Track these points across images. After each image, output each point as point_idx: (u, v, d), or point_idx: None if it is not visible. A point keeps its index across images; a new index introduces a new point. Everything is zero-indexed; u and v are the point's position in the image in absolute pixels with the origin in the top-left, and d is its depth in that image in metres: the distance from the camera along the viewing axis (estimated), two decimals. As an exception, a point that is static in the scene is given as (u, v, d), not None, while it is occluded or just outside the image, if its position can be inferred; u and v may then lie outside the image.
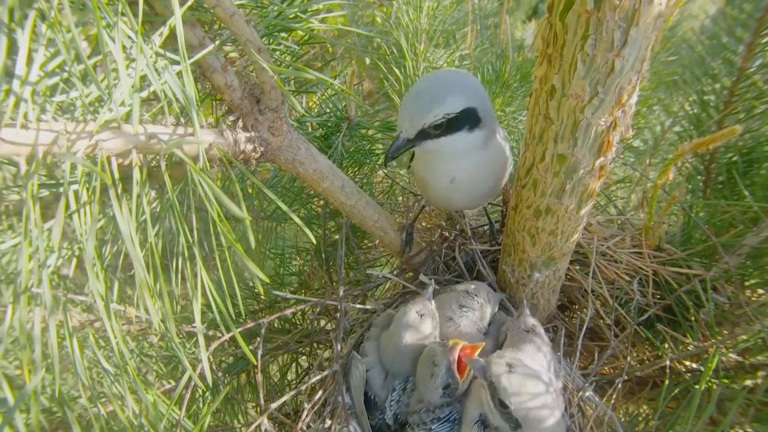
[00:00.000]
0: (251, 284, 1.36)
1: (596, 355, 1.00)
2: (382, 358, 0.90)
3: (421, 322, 0.87)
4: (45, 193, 0.75)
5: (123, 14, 0.57)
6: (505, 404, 0.73)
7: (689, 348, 1.01)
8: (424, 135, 0.86)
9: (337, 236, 1.33)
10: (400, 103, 0.93)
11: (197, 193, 0.64)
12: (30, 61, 0.55)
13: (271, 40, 0.90)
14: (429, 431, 0.80)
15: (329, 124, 1.34)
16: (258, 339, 0.94)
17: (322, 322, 1.27)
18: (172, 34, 0.63)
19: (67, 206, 0.59)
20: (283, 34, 0.91)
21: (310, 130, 1.30)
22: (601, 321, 1.06)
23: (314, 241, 0.91)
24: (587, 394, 0.87)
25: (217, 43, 0.77)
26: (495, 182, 0.98)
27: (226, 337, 0.90)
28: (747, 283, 1.07)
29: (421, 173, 0.99)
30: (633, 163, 1.73)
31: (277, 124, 0.85)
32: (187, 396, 0.82)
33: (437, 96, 0.84)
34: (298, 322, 1.35)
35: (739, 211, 1.08)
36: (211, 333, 1.06)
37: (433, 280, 0.98)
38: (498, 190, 1.02)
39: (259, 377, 0.93)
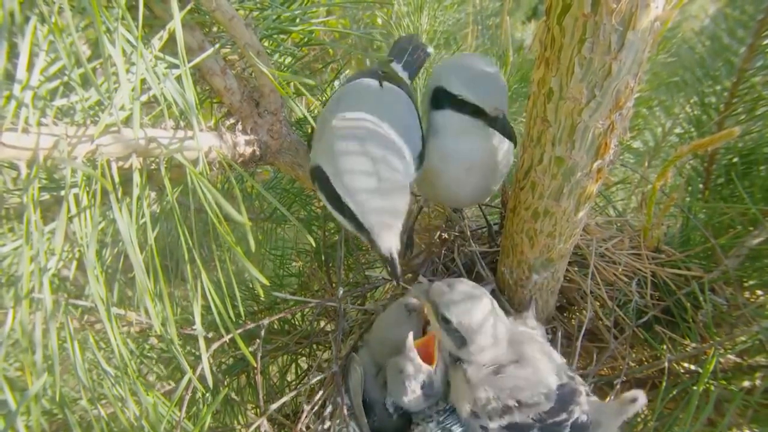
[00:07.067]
0: (251, 285, 1.37)
1: (595, 356, 1.00)
2: (371, 350, 0.90)
3: (409, 318, 0.87)
4: (45, 196, 0.75)
5: (123, 18, 0.57)
6: (447, 318, 0.78)
7: (688, 349, 1.01)
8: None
9: (336, 237, 1.33)
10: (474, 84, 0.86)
11: (197, 195, 0.64)
12: (31, 65, 0.56)
13: (271, 42, 0.90)
14: (441, 426, 0.80)
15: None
16: (257, 340, 0.94)
17: (322, 323, 1.27)
18: (172, 38, 0.63)
19: (68, 210, 0.59)
20: (282, 36, 0.92)
21: (309, 132, 1.30)
22: (600, 322, 1.06)
23: (313, 244, 0.92)
24: (586, 395, 0.88)
25: (217, 46, 0.77)
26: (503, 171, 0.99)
27: (226, 338, 0.90)
28: (745, 285, 1.07)
29: (433, 163, 0.94)
30: (633, 165, 1.73)
31: (276, 126, 0.85)
32: (187, 398, 0.82)
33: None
34: (297, 323, 1.35)
35: (738, 212, 1.08)
36: (211, 335, 1.06)
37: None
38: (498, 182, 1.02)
39: (259, 378, 0.93)
